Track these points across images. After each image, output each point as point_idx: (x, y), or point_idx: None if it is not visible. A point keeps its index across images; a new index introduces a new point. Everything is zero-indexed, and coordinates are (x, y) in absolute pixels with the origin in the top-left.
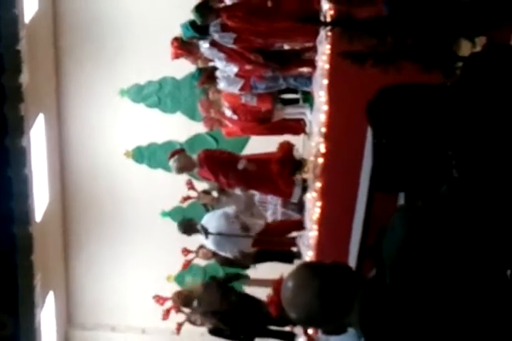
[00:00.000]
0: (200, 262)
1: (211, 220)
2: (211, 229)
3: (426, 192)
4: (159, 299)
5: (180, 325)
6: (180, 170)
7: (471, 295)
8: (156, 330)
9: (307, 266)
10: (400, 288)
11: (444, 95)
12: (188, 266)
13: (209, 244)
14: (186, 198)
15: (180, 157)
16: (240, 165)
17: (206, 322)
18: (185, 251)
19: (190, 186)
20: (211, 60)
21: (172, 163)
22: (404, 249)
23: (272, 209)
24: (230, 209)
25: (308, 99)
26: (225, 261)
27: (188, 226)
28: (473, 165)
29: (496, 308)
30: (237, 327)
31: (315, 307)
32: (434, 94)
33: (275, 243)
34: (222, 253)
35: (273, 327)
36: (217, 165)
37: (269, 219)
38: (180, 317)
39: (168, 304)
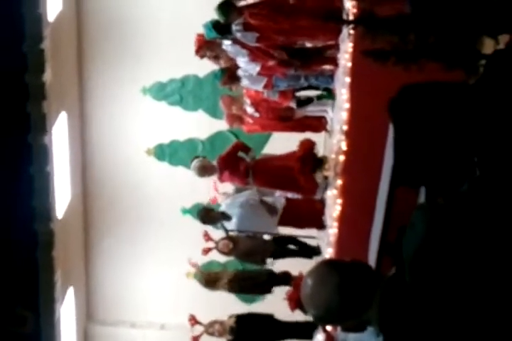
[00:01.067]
0: (220, 258)
1: (233, 207)
2: (234, 215)
3: (447, 188)
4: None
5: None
6: (203, 176)
7: (490, 294)
8: (175, 326)
9: (327, 263)
10: (419, 287)
11: (467, 93)
12: (207, 253)
13: (232, 224)
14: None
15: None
16: (249, 157)
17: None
18: (207, 236)
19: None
20: (233, 60)
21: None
22: (424, 247)
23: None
24: (251, 195)
25: (330, 96)
26: (243, 255)
27: (207, 215)
28: (496, 165)
29: None
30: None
31: (334, 304)
32: (457, 92)
33: (300, 221)
34: (242, 238)
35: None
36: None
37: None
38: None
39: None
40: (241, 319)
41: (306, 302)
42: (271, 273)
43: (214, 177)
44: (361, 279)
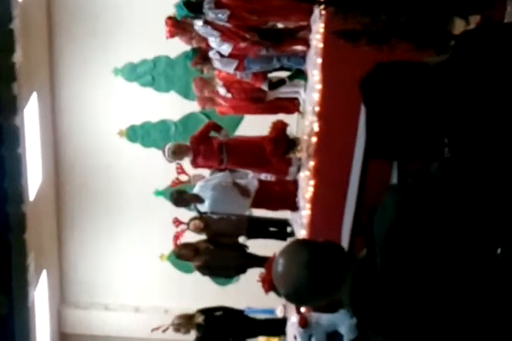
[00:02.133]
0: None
1: (205, 190)
2: (206, 198)
3: (419, 161)
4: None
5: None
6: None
7: (461, 275)
8: (149, 309)
9: (298, 241)
10: (390, 268)
11: (435, 73)
12: (179, 238)
13: (205, 207)
14: (178, 182)
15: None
16: (221, 135)
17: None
18: (177, 222)
19: (181, 170)
20: (205, 40)
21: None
22: (395, 228)
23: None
24: (223, 177)
25: (302, 77)
26: (215, 235)
27: (180, 197)
28: (466, 146)
29: (486, 288)
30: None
31: (303, 281)
32: (426, 71)
33: (272, 203)
34: (215, 218)
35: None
36: (210, 151)
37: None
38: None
39: None
40: (209, 316)
41: (276, 280)
42: (244, 254)
43: (179, 162)
44: (332, 258)
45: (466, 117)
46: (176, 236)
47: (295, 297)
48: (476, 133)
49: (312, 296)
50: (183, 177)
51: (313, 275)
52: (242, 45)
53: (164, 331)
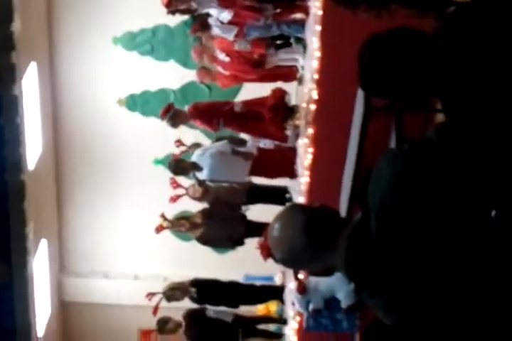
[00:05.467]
0: (191, 207)
1: (204, 158)
2: (205, 166)
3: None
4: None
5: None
6: (176, 125)
7: (455, 237)
8: (148, 276)
9: (294, 205)
10: (385, 231)
11: (433, 39)
12: (176, 200)
13: (204, 175)
14: (180, 143)
15: (173, 113)
16: (237, 108)
17: None
18: (175, 183)
19: (179, 143)
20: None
21: (167, 121)
22: (390, 192)
23: (263, 141)
24: (221, 146)
25: (301, 45)
26: (215, 201)
27: (178, 166)
28: (462, 110)
29: (480, 250)
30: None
31: (298, 244)
32: (425, 39)
33: (271, 171)
34: (214, 185)
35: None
36: (209, 114)
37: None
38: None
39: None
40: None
41: (272, 245)
42: (244, 222)
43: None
44: (327, 221)
45: (463, 82)
46: (173, 199)
47: (291, 260)
48: (473, 97)
49: (307, 259)
50: (183, 148)
51: (309, 238)
52: (242, 12)
53: (151, 299)
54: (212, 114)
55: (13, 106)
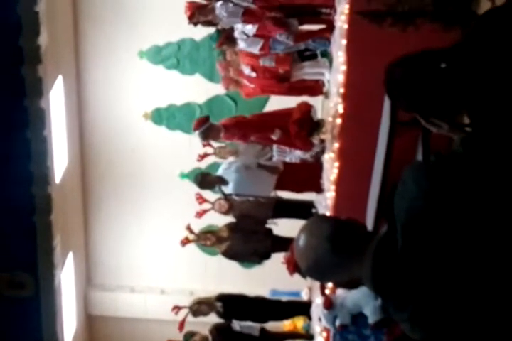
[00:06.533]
0: (218, 222)
1: (229, 172)
2: (230, 180)
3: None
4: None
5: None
6: (207, 139)
7: (484, 252)
8: (174, 291)
9: (320, 216)
10: (411, 245)
11: (456, 52)
12: (202, 215)
13: (229, 189)
14: (203, 156)
15: (208, 127)
16: (275, 136)
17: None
18: (200, 199)
19: (207, 144)
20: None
21: (199, 133)
22: (416, 205)
23: (289, 156)
24: (247, 160)
25: (327, 59)
26: (241, 216)
27: (204, 179)
28: (488, 122)
29: (506, 263)
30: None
31: (324, 253)
32: (450, 56)
33: (297, 185)
34: (240, 199)
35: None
36: (246, 129)
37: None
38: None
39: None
40: (227, 304)
41: (298, 255)
42: (270, 237)
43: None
44: (352, 231)
45: (489, 93)
46: (199, 214)
47: (315, 270)
48: (499, 109)
49: (332, 270)
50: (209, 150)
51: (333, 246)
52: (267, 25)
53: (177, 313)
54: (249, 132)
55: (40, 119)
